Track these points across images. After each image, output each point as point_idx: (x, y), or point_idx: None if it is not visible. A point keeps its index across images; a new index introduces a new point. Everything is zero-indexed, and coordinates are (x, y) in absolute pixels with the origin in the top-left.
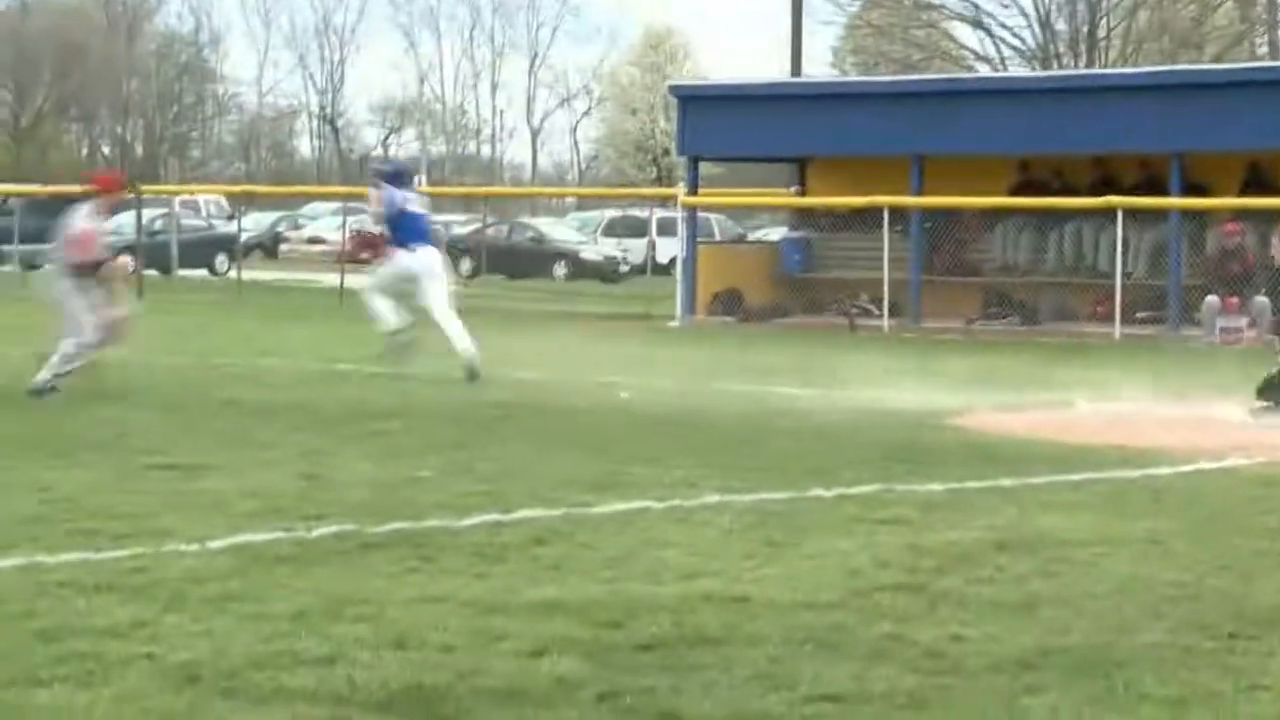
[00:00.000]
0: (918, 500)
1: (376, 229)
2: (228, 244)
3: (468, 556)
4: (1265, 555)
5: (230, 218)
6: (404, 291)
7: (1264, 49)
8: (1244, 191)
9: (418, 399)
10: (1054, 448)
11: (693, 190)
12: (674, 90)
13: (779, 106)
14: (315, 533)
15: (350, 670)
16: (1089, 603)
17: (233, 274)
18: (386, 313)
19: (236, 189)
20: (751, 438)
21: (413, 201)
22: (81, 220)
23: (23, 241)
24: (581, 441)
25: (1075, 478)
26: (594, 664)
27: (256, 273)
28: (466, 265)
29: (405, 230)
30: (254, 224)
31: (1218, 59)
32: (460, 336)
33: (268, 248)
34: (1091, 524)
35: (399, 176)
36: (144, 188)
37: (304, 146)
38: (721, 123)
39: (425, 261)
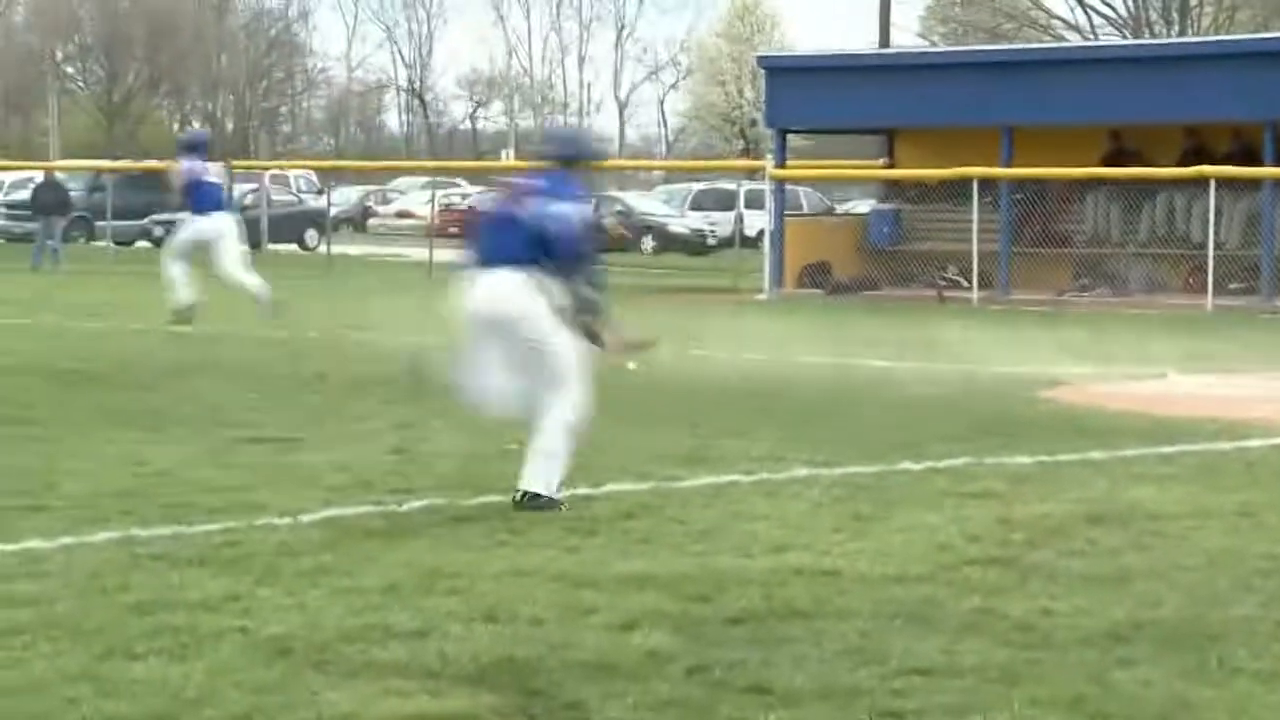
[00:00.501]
0: (1007, 473)
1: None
2: (318, 219)
3: (557, 530)
4: None
5: (320, 193)
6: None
7: None
8: None
9: None
10: (1145, 420)
11: (780, 163)
12: (761, 61)
13: (866, 77)
14: (406, 506)
15: (441, 644)
16: (1180, 575)
17: (323, 249)
18: (180, 283)
19: (326, 164)
20: (839, 410)
21: (209, 172)
22: None
23: (115, 218)
24: (670, 415)
25: (1167, 450)
26: (684, 637)
27: (346, 247)
28: None
29: (201, 198)
30: (343, 199)
31: None
32: (254, 284)
33: (357, 222)
34: (1183, 496)
35: (195, 148)
36: (235, 163)
37: (392, 121)
38: (809, 94)
39: (218, 226)
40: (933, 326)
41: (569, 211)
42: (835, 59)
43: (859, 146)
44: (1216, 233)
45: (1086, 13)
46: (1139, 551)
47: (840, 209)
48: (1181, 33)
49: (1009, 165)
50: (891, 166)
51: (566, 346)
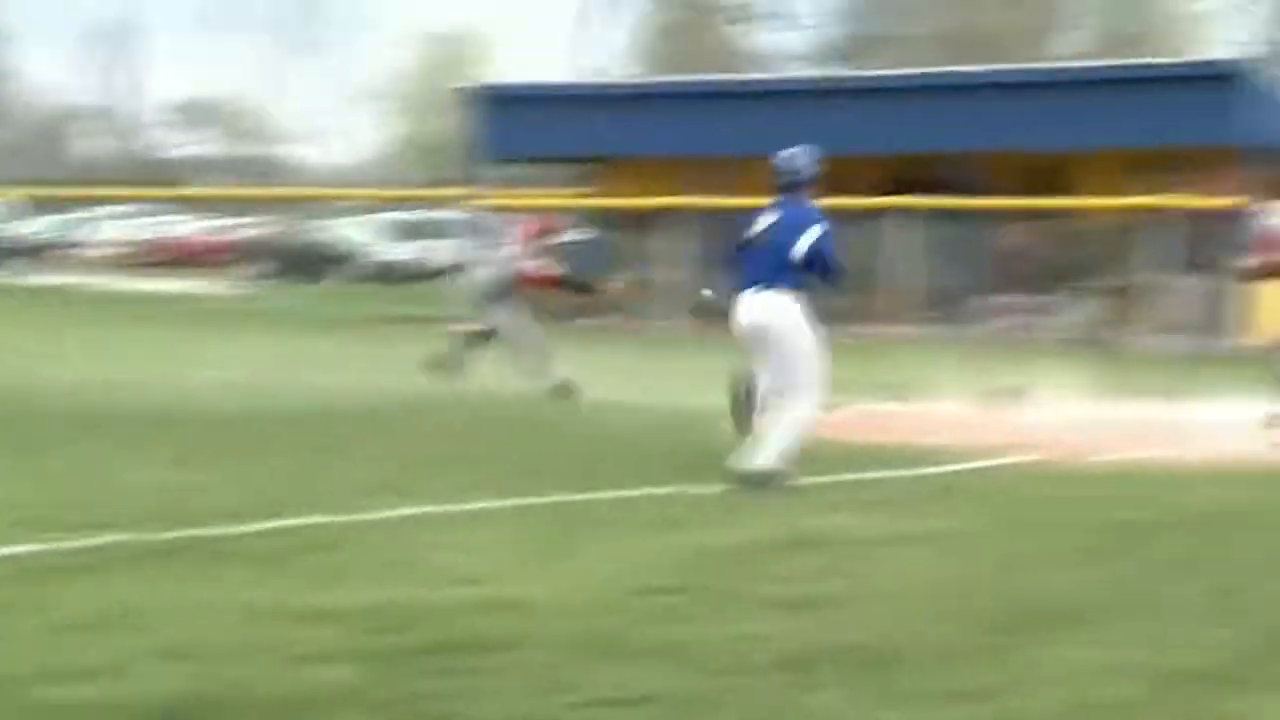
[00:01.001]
0: (708, 501)
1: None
2: (16, 247)
3: (247, 563)
4: (1047, 551)
5: (19, 220)
6: None
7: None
8: (1025, 192)
9: (200, 405)
10: (845, 447)
11: (491, 191)
12: (471, 91)
13: (581, 107)
14: (91, 541)
15: (125, 681)
16: (873, 600)
17: (21, 278)
18: None
19: (28, 191)
20: (538, 440)
21: None
22: None
23: None
24: (365, 446)
25: (865, 476)
26: (372, 670)
27: (45, 276)
28: (254, 268)
29: None
30: (44, 226)
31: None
32: None
33: (55, 250)
34: (879, 522)
35: None
36: None
37: (94, 147)
38: (521, 124)
39: None
40: (639, 355)
41: (822, 232)
42: (548, 89)
43: (576, 175)
44: (917, 264)
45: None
46: (834, 577)
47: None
48: (889, 66)
49: (731, 194)
50: (600, 195)
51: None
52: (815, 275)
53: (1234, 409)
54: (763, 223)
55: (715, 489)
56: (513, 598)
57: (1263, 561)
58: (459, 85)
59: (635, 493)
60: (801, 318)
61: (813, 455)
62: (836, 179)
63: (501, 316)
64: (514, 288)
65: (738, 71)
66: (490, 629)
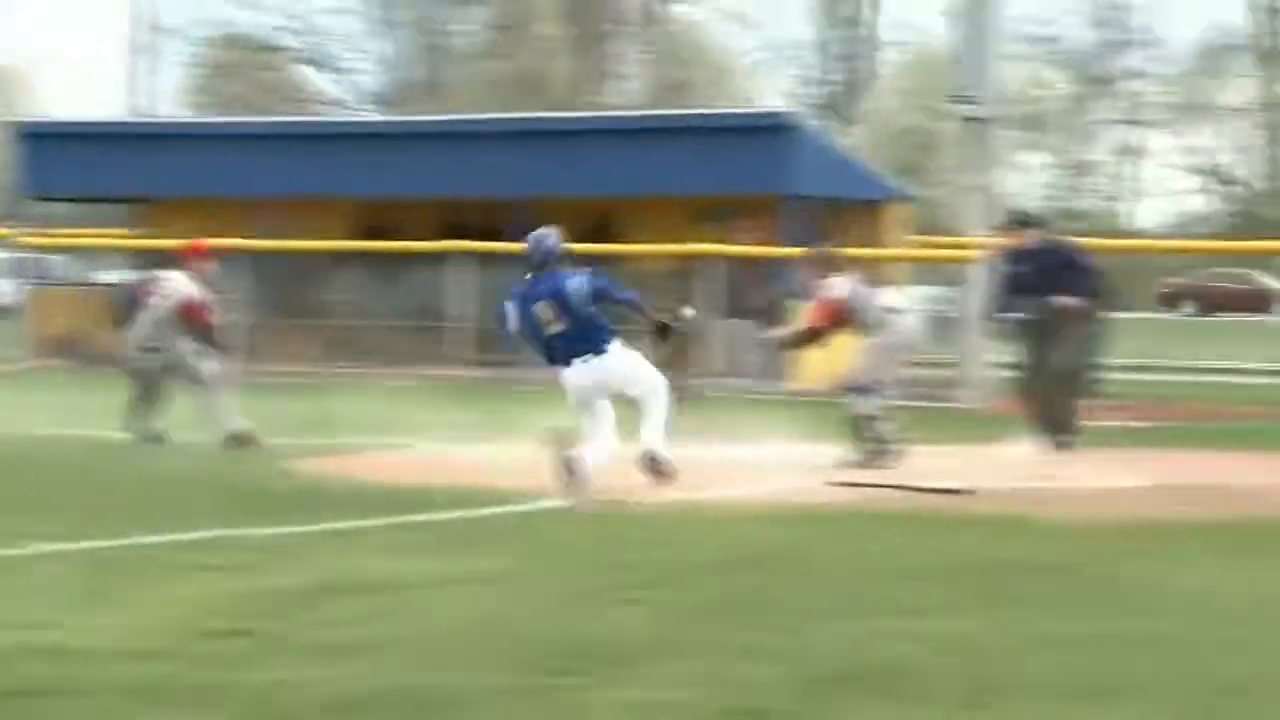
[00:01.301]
0: (252, 545)
1: None
2: None
3: None
4: (592, 592)
5: None
6: None
7: (602, 99)
8: (583, 237)
9: None
10: (391, 490)
11: (32, 230)
12: (12, 126)
13: (125, 144)
14: None
15: None
16: (420, 643)
17: None
18: None
19: None
20: (83, 484)
21: None
22: None
23: None
24: None
25: (411, 519)
26: None
27: None
28: None
29: None
30: None
31: (559, 107)
32: None
33: None
34: (425, 565)
35: None
36: None
37: None
38: (62, 161)
39: None
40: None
41: (588, 277)
42: (90, 126)
43: (121, 215)
44: (469, 306)
45: (346, 88)
46: (377, 620)
47: (105, 278)
48: (435, 111)
49: (264, 236)
50: (144, 236)
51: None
52: (623, 307)
53: (787, 451)
54: (541, 308)
55: (261, 531)
56: (65, 643)
57: (814, 602)
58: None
59: (182, 537)
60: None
61: (360, 499)
62: (393, 222)
63: (171, 359)
64: (182, 327)
65: (301, 113)
66: (41, 675)
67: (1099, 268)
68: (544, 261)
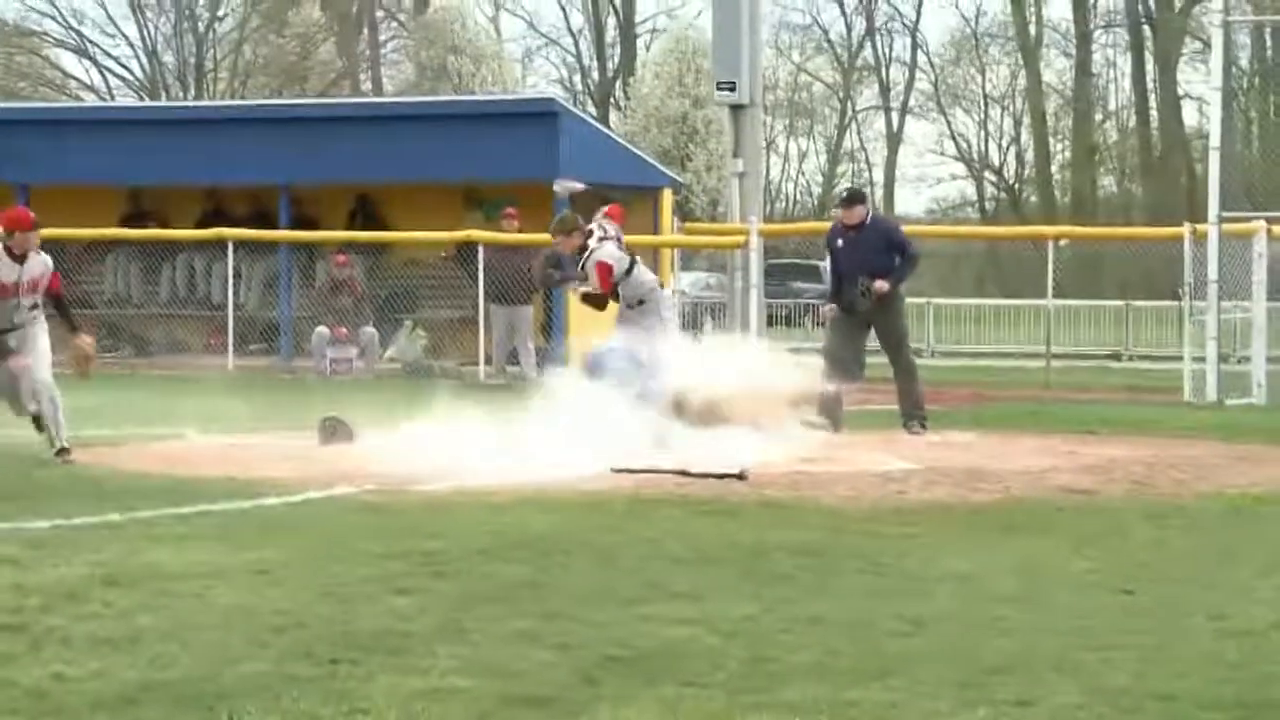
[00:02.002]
0: (24, 538)
1: None
2: None
3: None
4: (368, 581)
5: None
6: None
7: (367, 85)
8: (351, 224)
9: None
10: (164, 481)
11: None
12: None
13: None
14: None
15: None
16: (194, 635)
17: None
18: None
19: None
20: None
21: None
22: None
23: None
24: None
25: (185, 510)
26: None
27: None
28: None
29: None
30: None
31: (323, 93)
32: None
33: None
34: (199, 556)
35: None
36: None
37: None
38: None
39: None
40: None
41: None
42: None
43: None
44: (236, 294)
45: (103, 74)
46: (153, 612)
47: None
48: (198, 96)
49: None
50: None
51: None
52: None
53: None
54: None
55: (33, 524)
56: None
57: (590, 588)
58: None
59: None
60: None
61: (134, 490)
62: (158, 209)
63: None
64: None
65: (59, 99)
66: None
67: (913, 247)
68: None
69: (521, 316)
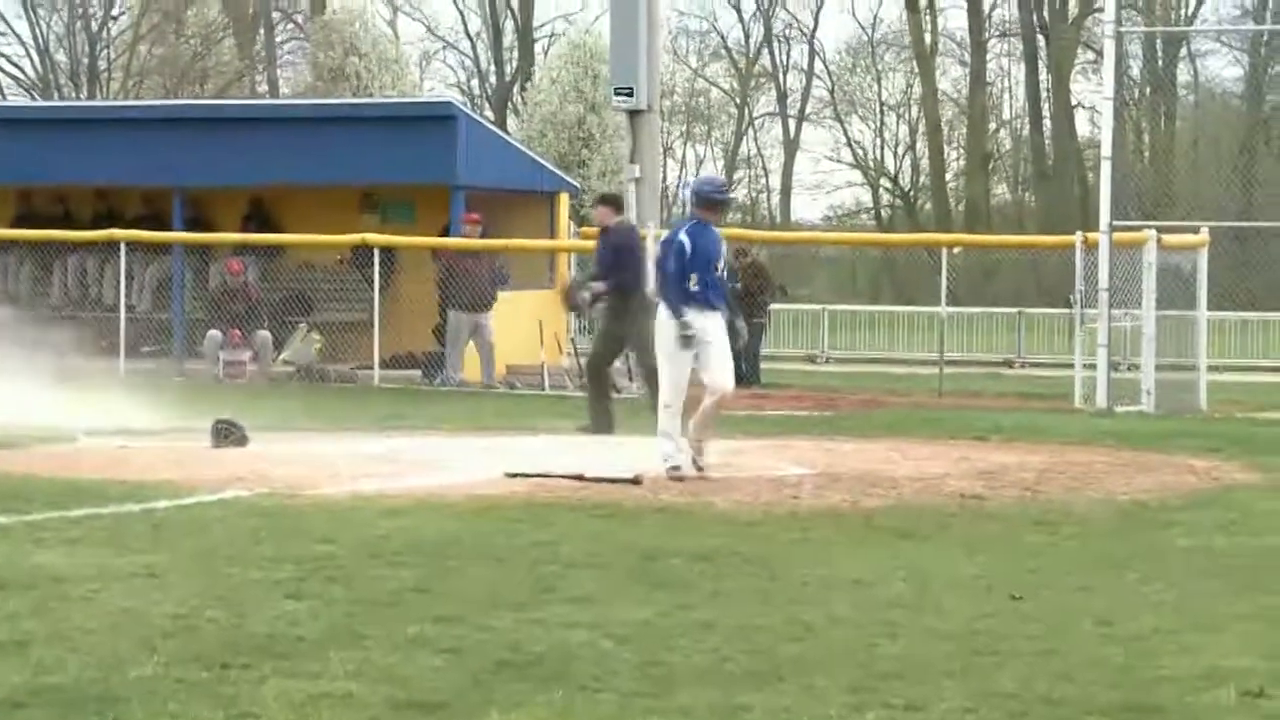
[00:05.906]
0: None
1: None
2: None
3: None
4: (259, 584)
5: None
6: None
7: (264, 87)
8: (245, 227)
9: None
10: (53, 483)
11: None
12: None
13: None
14: None
15: None
16: (83, 639)
17: None
18: None
19: None
20: None
21: None
22: None
23: None
24: None
25: (74, 514)
26: None
27: None
28: None
29: None
30: None
31: (219, 94)
32: None
33: None
34: (89, 560)
35: None
36: None
37: None
38: None
39: None
40: None
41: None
42: None
43: None
44: (128, 296)
45: None
46: (40, 616)
47: None
48: (91, 96)
49: None
50: None
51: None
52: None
53: (459, 441)
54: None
55: None
56: None
57: (482, 593)
58: None
59: None
60: None
61: (23, 493)
62: (52, 210)
63: None
64: None
65: None
66: None
67: (639, 253)
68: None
69: (484, 323)
